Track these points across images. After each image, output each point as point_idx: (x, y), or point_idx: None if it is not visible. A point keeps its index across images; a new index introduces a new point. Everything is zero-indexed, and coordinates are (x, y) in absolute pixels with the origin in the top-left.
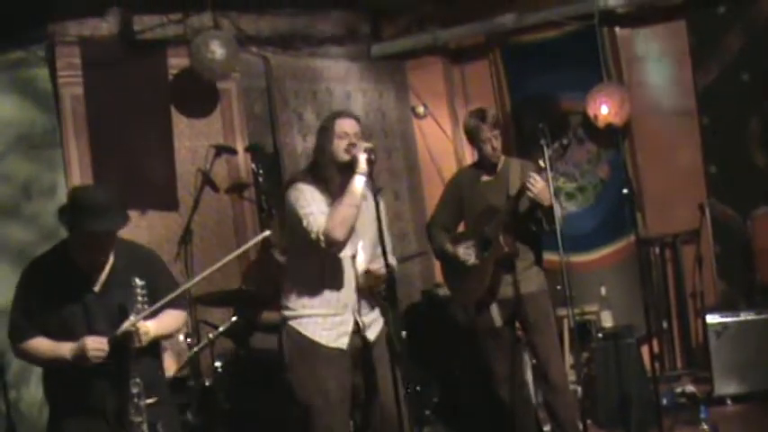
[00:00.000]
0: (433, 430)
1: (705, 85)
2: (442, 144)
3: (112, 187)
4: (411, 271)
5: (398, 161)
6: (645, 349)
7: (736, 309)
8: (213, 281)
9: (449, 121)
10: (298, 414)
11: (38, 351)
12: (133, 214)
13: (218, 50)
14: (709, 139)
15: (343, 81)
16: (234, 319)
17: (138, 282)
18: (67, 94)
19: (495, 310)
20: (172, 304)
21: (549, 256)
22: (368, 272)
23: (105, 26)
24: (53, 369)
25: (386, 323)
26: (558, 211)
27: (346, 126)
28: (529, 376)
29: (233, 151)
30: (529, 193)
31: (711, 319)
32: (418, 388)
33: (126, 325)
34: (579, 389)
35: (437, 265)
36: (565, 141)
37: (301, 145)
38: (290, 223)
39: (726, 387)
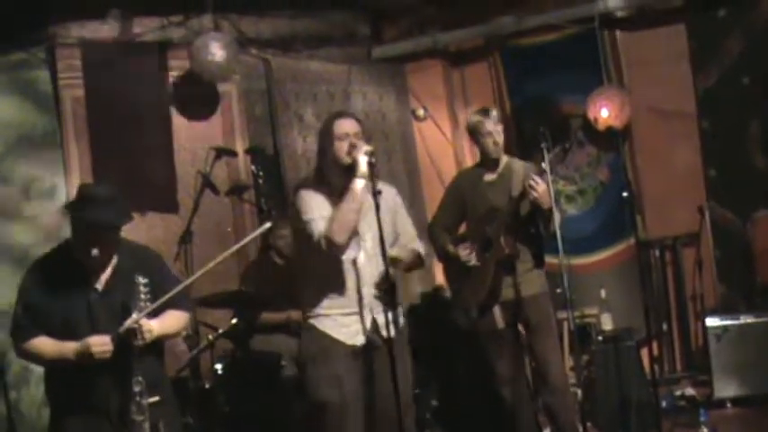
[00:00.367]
0: None
1: (705, 88)
2: (441, 147)
3: (117, 187)
4: (410, 273)
5: (398, 164)
6: (645, 352)
7: (736, 312)
8: (213, 282)
9: (448, 124)
10: (311, 411)
11: (40, 351)
12: (133, 216)
13: (218, 53)
14: (709, 142)
15: (344, 83)
16: (233, 321)
17: (141, 279)
18: (68, 96)
19: (497, 312)
20: (176, 305)
21: (549, 259)
22: (393, 259)
23: (106, 28)
24: (55, 368)
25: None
26: (557, 216)
27: (346, 126)
28: (529, 378)
29: (233, 153)
30: (530, 196)
31: (711, 321)
32: (418, 390)
33: (129, 322)
34: (579, 391)
35: (437, 267)
36: (566, 145)
37: (302, 147)
38: (296, 229)
39: (725, 390)
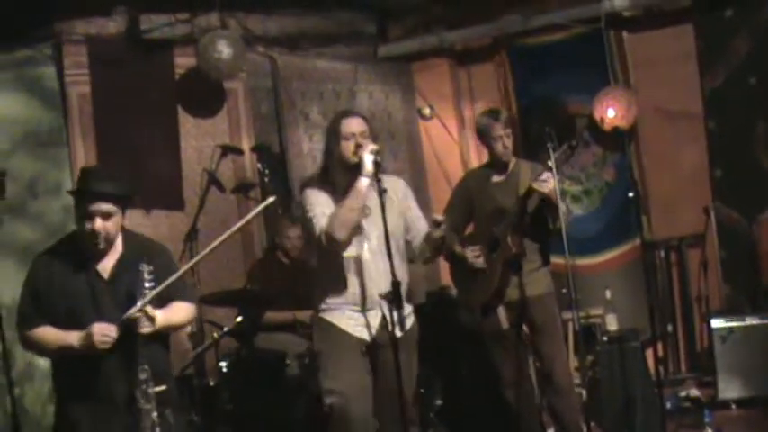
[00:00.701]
0: None
1: (712, 88)
2: (447, 146)
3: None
4: (416, 272)
5: (404, 163)
6: (649, 353)
7: (742, 313)
8: (218, 280)
9: (455, 123)
10: (319, 401)
11: (45, 339)
12: (138, 213)
13: (225, 50)
14: (716, 142)
15: (350, 82)
16: (238, 319)
17: (146, 267)
18: (74, 93)
19: (501, 312)
20: (181, 296)
21: (554, 259)
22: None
23: (112, 25)
24: (61, 358)
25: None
26: (567, 214)
27: (353, 125)
28: (533, 379)
29: (239, 151)
30: (540, 189)
31: (716, 323)
32: (422, 390)
33: (132, 310)
34: (584, 392)
35: (442, 266)
36: (573, 143)
37: (307, 145)
38: (303, 227)
39: (730, 391)
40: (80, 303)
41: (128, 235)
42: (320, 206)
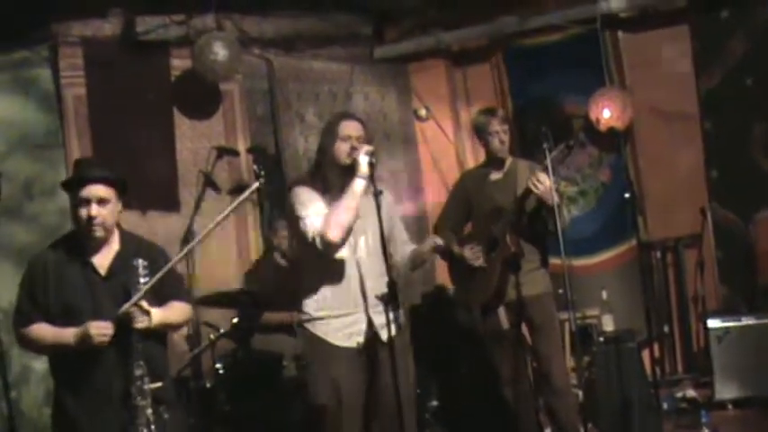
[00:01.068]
0: None
1: (708, 89)
2: (443, 147)
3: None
4: (412, 273)
5: (400, 164)
6: (646, 353)
7: (738, 313)
8: (215, 282)
9: (451, 124)
10: (310, 415)
11: (41, 337)
12: (134, 215)
13: (220, 52)
14: (712, 143)
15: (346, 83)
16: (235, 320)
17: (141, 262)
18: (70, 95)
19: (502, 312)
20: (176, 296)
21: (551, 260)
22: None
23: (108, 27)
24: (57, 355)
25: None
26: (565, 215)
27: (350, 129)
28: (530, 379)
29: (235, 153)
30: (535, 191)
31: (713, 323)
32: (418, 391)
33: (127, 305)
34: (580, 393)
35: (438, 266)
36: (570, 143)
37: (303, 147)
38: (291, 227)
39: (727, 392)
40: (77, 300)
41: (125, 234)
42: (313, 206)
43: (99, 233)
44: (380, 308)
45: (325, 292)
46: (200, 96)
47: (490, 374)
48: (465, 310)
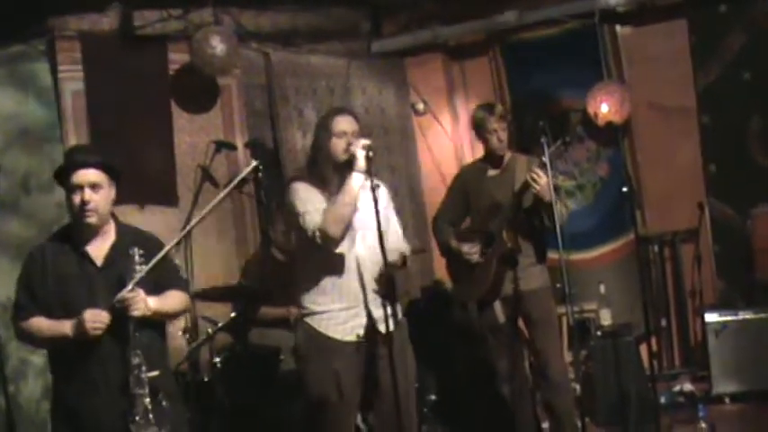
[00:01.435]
0: (431, 428)
1: (706, 83)
2: (441, 141)
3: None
4: (410, 268)
5: (398, 158)
6: (643, 347)
7: (735, 307)
8: (213, 276)
9: (448, 118)
10: (307, 408)
11: (38, 330)
12: (132, 209)
13: (218, 46)
14: (709, 137)
15: (344, 78)
16: (233, 314)
17: (137, 250)
18: (68, 89)
19: (498, 307)
20: (174, 285)
21: (548, 254)
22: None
23: (106, 21)
24: (55, 346)
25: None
26: (562, 211)
27: (344, 124)
28: (528, 373)
29: (233, 147)
30: (532, 188)
31: (710, 317)
32: (416, 385)
33: (122, 293)
34: (578, 387)
35: (436, 261)
36: (567, 138)
37: (301, 141)
38: (290, 222)
39: (724, 386)
40: (74, 290)
41: (121, 226)
42: (312, 202)
43: (92, 219)
44: (379, 302)
45: (325, 286)
46: (198, 90)
47: (488, 369)
48: (462, 305)
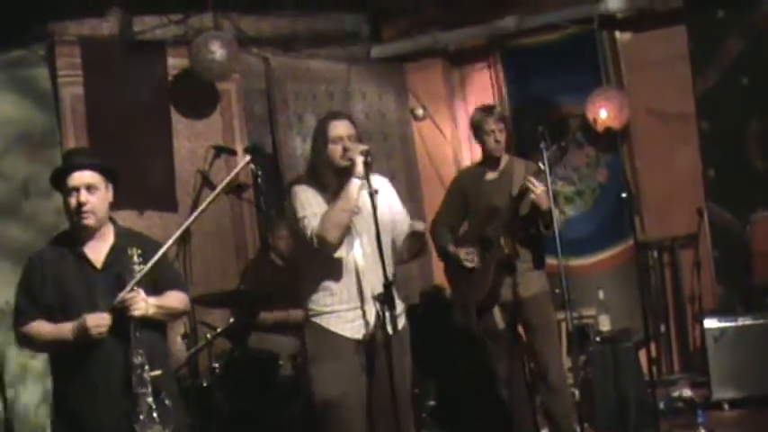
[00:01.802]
0: None
1: (704, 89)
2: (440, 146)
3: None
4: (409, 272)
5: (397, 163)
6: (642, 353)
7: (735, 313)
8: (212, 281)
9: (448, 124)
10: (317, 409)
11: (40, 334)
12: (131, 214)
13: (218, 51)
14: (708, 143)
15: (343, 83)
16: (232, 320)
17: (135, 251)
18: (67, 94)
19: (497, 312)
20: (174, 286)
21: (547, 260)
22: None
23: (106, 26)
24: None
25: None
26: (557, 217)
27: (340, 129)
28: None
29: (232, 152)
30: (531, 196)
31: (709, 323)
32: (416, 390)
33: (122, 293)
34: (577, 392)
35: (435, 265)
36: (563, 143)
37: (301, 146)
38: (291, 226)
39: (723, 392)
40: (73, 293)
41: (120, 229)
42: (311, 206)
43: (89, 221)
44: (381, 304)
45: (331, 287)
46: (198, 96)
47: (487, 375)
48: (461, 310)
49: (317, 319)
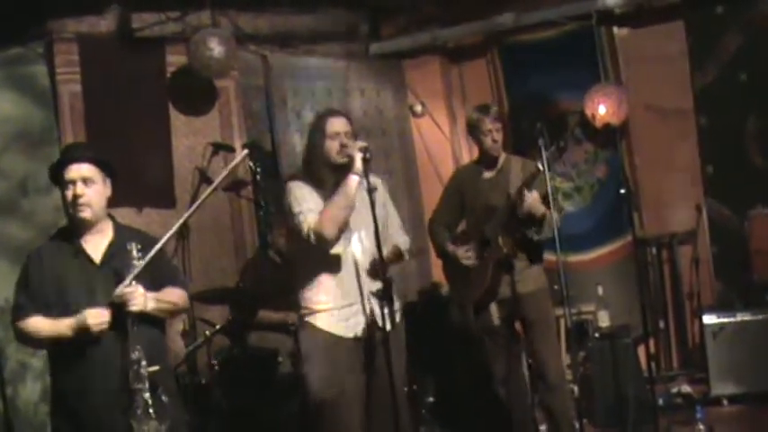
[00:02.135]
0: (429, 430)
1: (703, 85)
2: (439, 143)
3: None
4: (408, 270)
5: (396, 160)
6: (641, 349)
7: (733, 309)
8: (210, 278)
9: (446, 120)
10: (312, 407)
11: (38, 330)
12: (130, 212)
13: (216, 48)
14: (707, 139)
15: (342, 80)
16: (230, 317)
17: (134, 245)
18: (66, 91)
19: (493, 309)
20: (173, 282)
21: (546, 256)
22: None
23: (104, 23)
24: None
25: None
26: (556, 218)
27: (337, 125)
28: (525, 375)
29: (231, 149)
30: (521, 208)
31: (708, 319)
32: (414, 387)
33: (120, 288)
34: (575, 388)
35: (434, 264)
36: (561, 143)
37: (299, 143)
38: (287, 221)
39: (722, 388)
40: (72, 289)
41: (119, 225)
42: (307, 202)
43: (85, 213)
44: (377, 300)
45: (325, 284)
46: (196, 93)
47: (485, 371)
48: (459, 307)
49: (310, 319)
